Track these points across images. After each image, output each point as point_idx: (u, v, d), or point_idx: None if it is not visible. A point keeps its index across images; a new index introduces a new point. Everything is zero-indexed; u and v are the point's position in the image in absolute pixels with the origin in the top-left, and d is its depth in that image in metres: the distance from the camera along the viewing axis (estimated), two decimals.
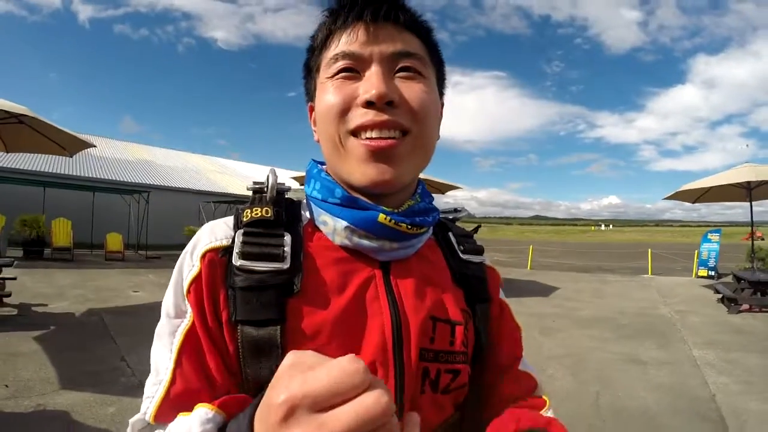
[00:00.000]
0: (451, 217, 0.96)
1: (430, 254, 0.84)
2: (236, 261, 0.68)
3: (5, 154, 9.19)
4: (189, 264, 0.72)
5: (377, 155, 0.72)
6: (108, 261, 15.19)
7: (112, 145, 28.40)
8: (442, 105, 0.86)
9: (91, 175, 20.80)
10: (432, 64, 0.81)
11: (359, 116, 0.71)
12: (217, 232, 0.76)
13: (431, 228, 0.84)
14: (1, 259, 8.25)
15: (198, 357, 0.67)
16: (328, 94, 0.74)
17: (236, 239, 0.71)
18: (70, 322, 7.02)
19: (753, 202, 12.07)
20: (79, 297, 8.83)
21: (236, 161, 40.29)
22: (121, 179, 22.04)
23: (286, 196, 0.80)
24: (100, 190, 17.82)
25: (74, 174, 19.95)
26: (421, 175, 0.91)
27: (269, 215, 0.73)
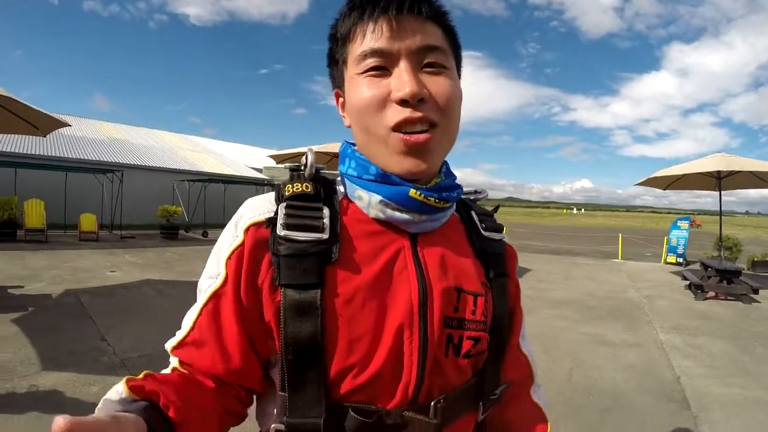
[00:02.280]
0: (472, 197, 1.01)
1: (453, 230, 0.91)
2: (280, 231, 0.75)
3: None
4: (233, 235, 0.81)
5: (413, 150, 0.77)
6: (82, 242, 14.98)
7: (84, 124, 27.74)
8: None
9: (63, 155, 20.34)
10: (452, 51, 0.84)
11: (396, 113, 0.76)
12: (259, 207, 0.83)
13: (454, 205, 0.90)
14: None
15: (215, 315, 0.78)
16: (362, 90, 0.79)
17: (279, 211, 0.78)
18: (47, 304, 6.98)
19: (722, 192, 12.29)
20: (55, 278, 8.77)
21: (210, 139, 39.71)
22: (94, 158, 21.62)
23: (322, 175, 0.86)
24: (72, 170, 17.50)
25: (46, 154, 19.51)
26: None
27: (309, 190, 0.81)
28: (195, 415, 0.70)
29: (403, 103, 0.75)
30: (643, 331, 7.23)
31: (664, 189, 13.77)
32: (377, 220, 0.83)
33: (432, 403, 0.76)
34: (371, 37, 0.78)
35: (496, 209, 1.03)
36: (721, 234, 12.96)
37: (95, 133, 26.78)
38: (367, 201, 0.82)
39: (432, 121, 0.78)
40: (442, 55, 0.80)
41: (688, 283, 11.34)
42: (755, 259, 16.40)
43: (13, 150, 18.73)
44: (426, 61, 0.79)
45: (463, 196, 0.97)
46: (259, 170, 30.98)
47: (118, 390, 0.65)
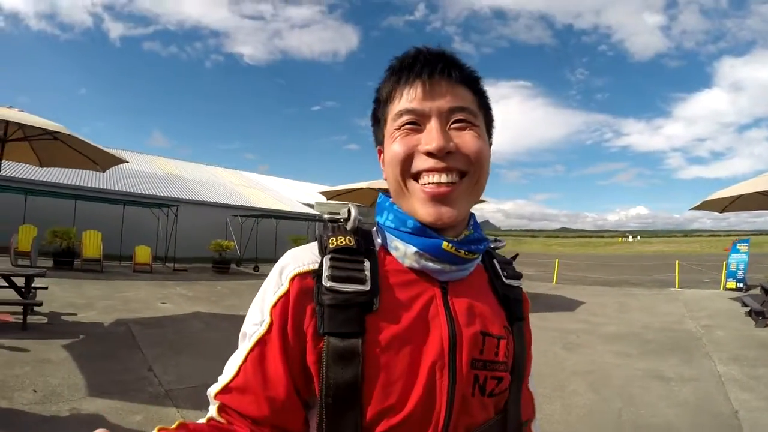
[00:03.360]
0: (492, 245, 1.06)
1: (478, 278, 0.98)
2: (326, 282, 0.81)
3: (39, 168, 9.48)
4: (277, 283, 0.87)
5: (436, 199, 0.86)
6: (136, 273, 15.41)
7: (142, 159, 28.84)
8: (491, 145, 0.97)
9: (121, 189, 21.16)
10: (481, 112, 0.93)
11: (422, 162, 0.86)
12: (302, 257, 0.89)
13: (480, 255, 0.96)
14: (33, 269, 8.47)
15: (260, 360, 0.83)
16: (395, 144, 0.89)
17: (324, 263, 0.84)
18: (98, 332, 7.17)
19: None
20: (107, 307, 9.00)
21: (263, 175, 40.54)
22: (151, 193, 22.35)
23: (360, 226, 0.93)
24: (129, 203, 18.09)
25: (105, 188, 20.36)
26: None
27: (352, 243, 0.87)
28: None
29: (429, 155, 0.85)
30: (700, 364, 6.94)
31: (721, 211, 13.32)
32: (412, 269, 0.90)
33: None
34: (407, 98, 0.89)
35: (514, 257, 1.11)
36: None
37: (152, 168, 27.80)
38: (403, 252, 0.89)
39: (460, 170, 0.87)
40: (470, 114, 0.89)
41: (748, 309, 10.85)
42: None
43: (73, 183, 19.54)
44: (454, 119, 0.88)
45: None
46: (311, 206, 31.44)
47: None
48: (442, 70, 0.88)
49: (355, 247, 0.86)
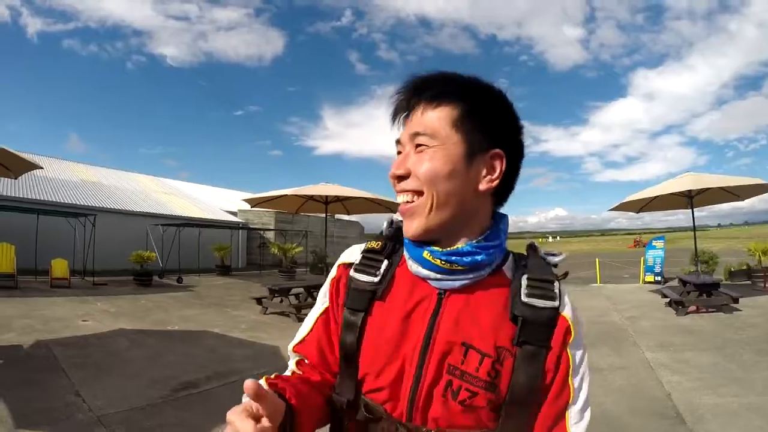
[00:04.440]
0: (548, 257, 1.06)
1: (492, 291, 1.00)
2: (352, 273, 1.09)
3: None
4: (333, 270, 1.15)
5: (404, 215, 1.02)
6: (54, 288, 14.39)
7: (57, 166, 27.12)
8: (512, 154, 1.03)
9: (34, 197, 19.81)
10: (454, 124, 0.97)
11: (394, 183, 1.03)
12: (351, 252, 1.16)
13: (490, 264, 1.00)
14: None
15: (324, 326, 1.12)
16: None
17: (357, 258, 1.11)
18: (18, 355, 6.69)
19: (694, 208, 12.67)
20: (26, 328, 8.39)
21: (185, 182, 39.24)
22: (67, 201, 21.05)
23: (394, 233, 1.13)
24: (44, 213, 16.87)
25: (16, 196, 18.96)
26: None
27: (378, 246, 1.10)
28: (307, 405, 0.95)
29: (391, 176, 1.03)
30: (629, 353, 7.27)
31: (638, 212, 14.00)
32: (415, 274, 1.03)
33: (423, 429, 0.95)
34: (397, 130, 1.06)
35: (565, 275, 1.06)
36: (696, 249, 13.36)
37: (68, 175, 26.19)
38: (407, 257, 1.05)
39: (414, 190, 0.98)
40: (425, 137, 0.97)
41: (668, 300, 11.48)
42: (732, 269, 16.92)
43: None
44: (416, 143, 0.99)
45: (530, 258, 1.05)
46: (235, 213, 30.75)
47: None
48: (417, 95, 1.00)
49: (379, 250, 1.09)
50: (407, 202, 0.99)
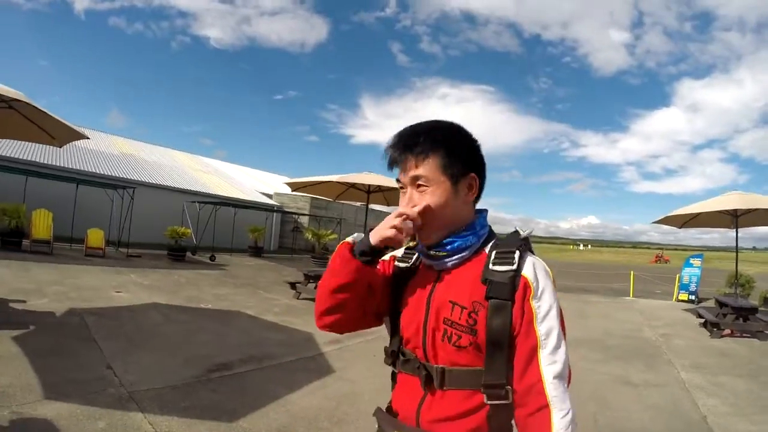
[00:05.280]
0: (523, 236, 1.40)
1: (474, 264, 1.39)
2: (396, 262, 1.57)
3: None
4: (386, 257, 1.59)
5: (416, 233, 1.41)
6: (88, 257, 14.59)
7: (97, 138, 27.33)
8: (479, 170, 1.44)
9: (74, 167, 20.07)
10: (442, 170, 1.36)
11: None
12: (400, 250, 1.59)
13: (465, 246, 1.40)
14: None
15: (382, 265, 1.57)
16: (400, 200, 1.45)
17: (401, 253, 1.58)
18: (50, 322, 6.73)
19: (738, 228, 12.31)
20: (59, 294, 8.49)
21: (221, 161, 39.39)
22: (107, 173, 21.25)
23: None
24: (84, 182, 17.11)
25: (57, 164, 19.22)
26: None
27: (413, 245, 1.53)
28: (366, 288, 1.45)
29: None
30: (664, 371, 7.13)
31: (680, 227, 13.71)
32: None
33: (435, 366, 1.35)
34: (396, 171, 1.44)
35: (522, 245, 1.37)
36: (737, 271, 12.99)
37: (108, 147, 26.44)
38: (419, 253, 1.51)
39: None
40: (424, 179, 1.37)
41: (703, 320, 11.29)
42: (767, 296, 16.30)
43: (24, 157, 18.44)
44: (417, 184, 1.39)
45: (503, 239, 1.44)
46: (270, 196, 30.85)
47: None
48: (407, 149, 1.38)
49: (413, 247, 1.54)
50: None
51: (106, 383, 4.71)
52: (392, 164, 1.43)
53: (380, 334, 7.01)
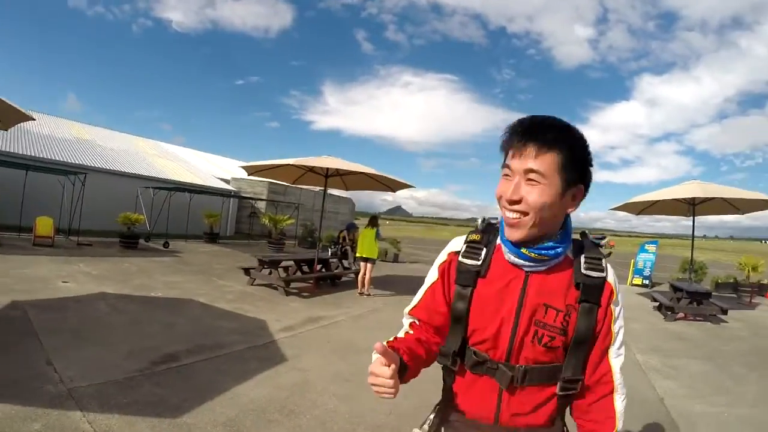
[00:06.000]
0: (596, 241, 1.51)
1: (562, 268, 1.44)
2: (461, 258, 1.52)
3: None
4: (444, 254, 1.59)
5: (512, 226, 1.39)
6: (36, 246, 14.03)
7: (50, 122, 26.29)
8: (585, 187, 1.45)
9: (23, 152, 19.24)
10: (558, 170, 1.34)
11: (504, 201, 1.39)
12: (456, 242, 1.58)
13: (564, 253, 1.44)
14: None
15: (432, 296, 1.57)
16: (499, 184, 1.43)
17: (462, 248, 1.53)
18: None
19: (684, 217, 13.03)
20: (2, 287, 8.09)
21: (179, 146, 38.46)
22: (57, 158, 20.49)
23: (488, 228, 1.57)
24: (33, 168, 16.26)
25: (5, 150, 18.42)
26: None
27: (478, 238, 1.53)
28: (413, 357, 1.42)
29: (507, 200, 1.38)
30: None
31: (638, 214, 13.98)
32: (509, 261, 1.45)
33: (516, 366, 1.42)
34: (508, 156, 1.41)
35: (609, 254, 1.53)
36: (692, 257, 13.35)
37: (61, 132, 25.50)
38: (505, 251, 1.46)
39: (524, 212, 1.36)
40: (539, 175, 1.33)
41: (658, 304, 11.67)
42: (719, 281, 17.48)
43: None
44: (528, 177, 1.35)
45: (585, 243, 1.50)
46: (227, 181, 30.31)
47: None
48: (531, 138, 1.34)
49: (479, 240, 1.52)
50: (515, 218, 1.37)
51: (45, 380, 4.46)
52: (508, 147, 1.41)
53: (334, 321, 6.90)
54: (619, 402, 1.44)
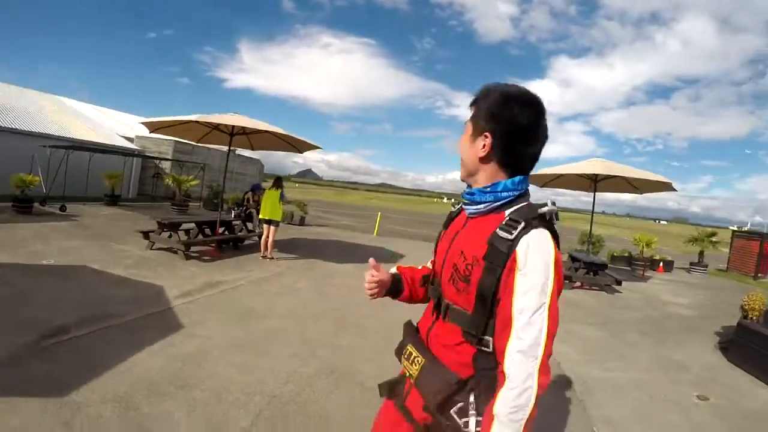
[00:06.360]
0: (541, 210, 1.50)
1: (491, 222, 1.52)
2: (452, 207, 1.89)
3: None
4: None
5: None
6: None
7: None
8: (496, 137, 1.57)
9: None
10: (472, 120, 1.65)
11: None
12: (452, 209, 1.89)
13: (483, 202, 1.59)
14: None
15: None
16: None
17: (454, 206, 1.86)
18: None
19: (583, 192, 13.86)
20: None
21: (83, 103, 35.47)
22: None
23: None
24: None
25: None
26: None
27: (455, 203, 2.09)
28: (407, 276, 1.96)
29: None
30: None
31: (542, 186, 14.47)
32: None
33: (443, 301, 1.64)
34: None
35: (535, 219, 1.49)
36: (591, 231, 14.15)
37: None
38: None
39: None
40: (466, 125, 1.68)
41: None
42: (614, 254, 18.88)
43: None
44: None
45: (522, 208, 1.54)
46: (131, 140, 28.48)
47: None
48: (472, 101, 1.68)
49: (455, 206, 1.83)
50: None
51: None
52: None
53: (234, 286, 6.69)
54: (503, 391, 1.36)
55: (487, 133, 1.56)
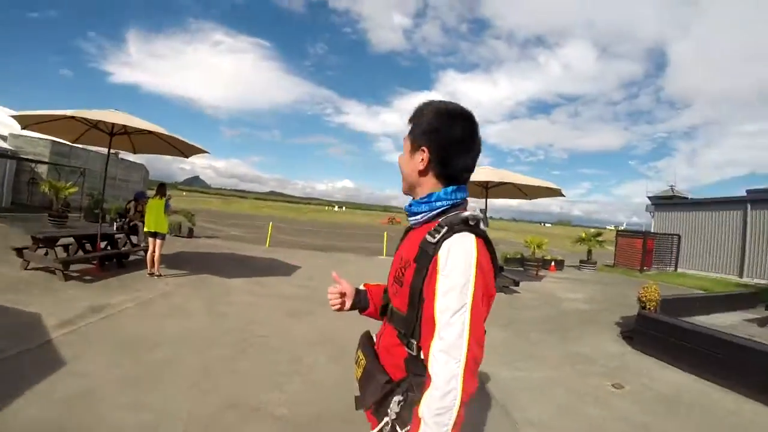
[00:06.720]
0: (464, 214, 1.56)
1: (425, 230, 1.58)
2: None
3: None
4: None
5: None
6: None
7: None
8: (432, 152, 1.64)
9: None
10: (409, 138, 1.72)
11: None
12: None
13: (424, 216, 1.66)
14: None
15: None
16: None
17: None
18: None
19: (481, 199, 13.98)
20: None
21: None
22: None
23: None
24: None
25: None
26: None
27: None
28: (373, 292, 1.99)
29: None
30: None
31: None
32: None
33: (390, 306, 1.72)
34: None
35: (459, 224, 1.54)
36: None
37: None
38: None
39: None
40: (404, 142, 1.75)
41: None
42: (507, 256, 19.83)
43: None
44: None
45: (450, 215, 1.60)
46: (4, 138, 25.15)
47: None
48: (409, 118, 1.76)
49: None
50: None
51: None
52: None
53: (120, 309, 5.72)
54: (428, 394, 1.36)
55: (424, 148, 1.64)
